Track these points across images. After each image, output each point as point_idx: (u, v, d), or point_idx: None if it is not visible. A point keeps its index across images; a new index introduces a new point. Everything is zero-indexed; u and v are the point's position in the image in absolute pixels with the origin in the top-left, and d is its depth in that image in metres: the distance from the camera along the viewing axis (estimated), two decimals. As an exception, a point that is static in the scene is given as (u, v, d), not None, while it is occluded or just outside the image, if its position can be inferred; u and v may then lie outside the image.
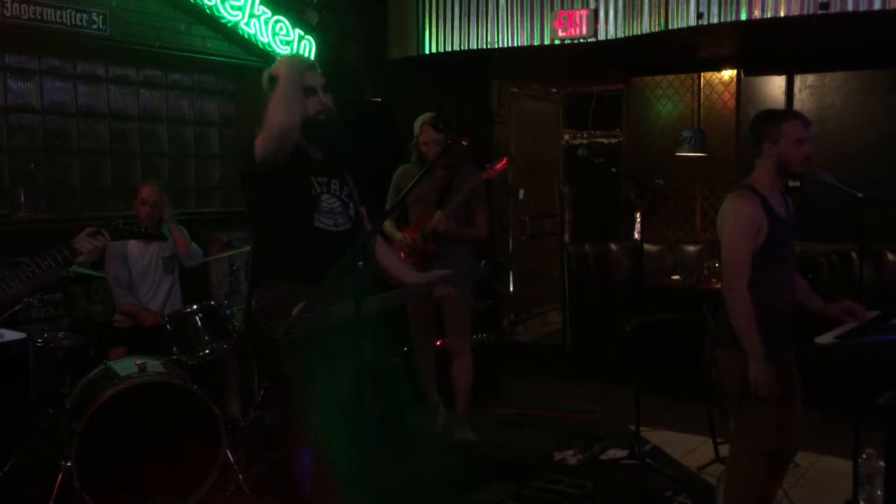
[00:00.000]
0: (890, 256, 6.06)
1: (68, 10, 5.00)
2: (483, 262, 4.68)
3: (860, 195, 3.43)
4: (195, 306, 4.49)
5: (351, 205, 3.12)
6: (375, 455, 2.88)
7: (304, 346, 2.81)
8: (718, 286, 3.51)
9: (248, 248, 5.22)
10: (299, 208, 2.99)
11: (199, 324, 4.42)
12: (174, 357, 4.33)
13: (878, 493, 3.74)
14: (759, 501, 3.35)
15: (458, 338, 4.95)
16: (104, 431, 3.72)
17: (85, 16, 5.09)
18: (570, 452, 4.81)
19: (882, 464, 3.63)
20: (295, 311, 2.76)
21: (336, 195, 3.06)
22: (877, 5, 5.09)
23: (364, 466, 2.80)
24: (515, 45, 6.52)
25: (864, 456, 3.78)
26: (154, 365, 4.01)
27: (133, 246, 4.77)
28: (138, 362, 3.94)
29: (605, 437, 5.00)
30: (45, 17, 4.89)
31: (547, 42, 6.37)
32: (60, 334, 4.35)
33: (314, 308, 2.79)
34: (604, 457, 4.81)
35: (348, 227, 3.07)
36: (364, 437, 2.82)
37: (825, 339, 3.00)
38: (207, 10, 5.72)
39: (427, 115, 4.93)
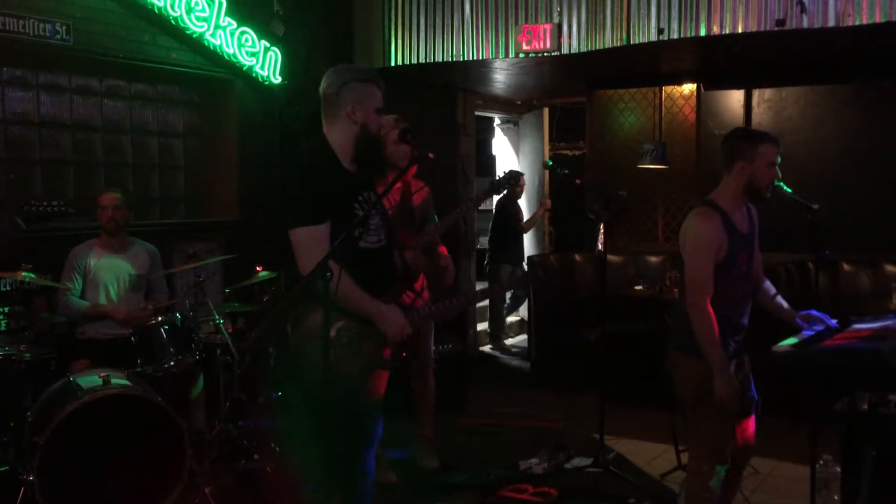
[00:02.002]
0: (845, 266, 6.21)
1: (31, 20, 4.96)
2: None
3: (815, 206, 3.52)
4: (160, 318, 4.47)
5: (386, 216, 3.08)
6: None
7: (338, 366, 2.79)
8: (678, 296, 3.58)
9: (215, 259, 5.22)
10: (346, 231, 2.87)
11: (165, 336, 4.39)
12: (139, 369, 4.29)
13: (836, 497, 3.83)
14: (719, 506, 3.42)
15: (429, 358, 4.77)
16: (67, 445, 3.67)
17: (49, 26, 5.06)
18: (536, 461, 4.84)
19: (839, 469, 3.72)
20: (333, 330, 2.74)
21: (377, 210, 3.00)
22: (831, 22, 5.23)
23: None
24: (481, 58, 6.59)
25: (822, 462, 3.87)
26: (118, 377, 3.97)
27: (95, 253, 4.71)
28: (102, 375, 3.90)
29: (570, 445, 5.05)
30: (7, 27, 4.85)
31: (512, 55, 6.45)
32: (22, 347, 4.28)
33: (350, 328, 2.80)
34: (568, 465, 4.86)
35: (387, 242, 3.03)
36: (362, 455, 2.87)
37: (782, 347, 3.07)
38: (172, 21, 5.70)
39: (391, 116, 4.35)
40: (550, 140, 10.09)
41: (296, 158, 3.08)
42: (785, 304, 3.47)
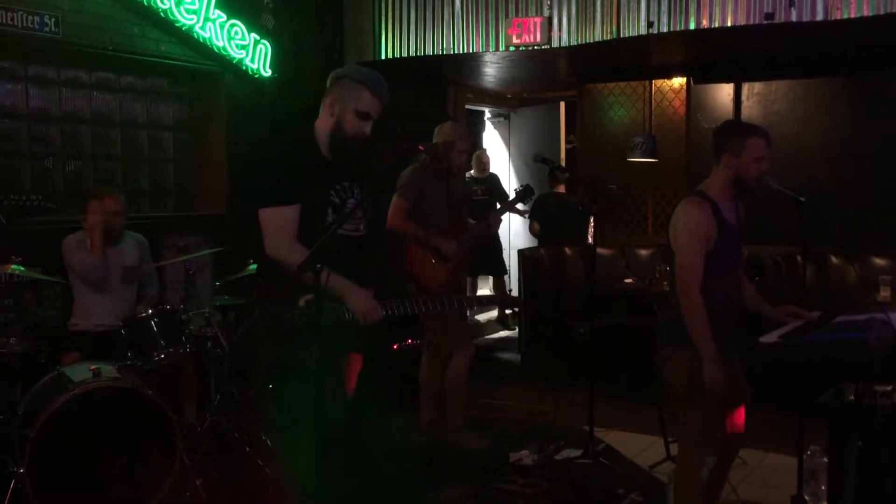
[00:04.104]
0: (833, 259, 6.24)
1: (20, 13, 4.94)
2: None
3: (802, 199, 3.54)
4: (150, 311, 4.46)
5: (370, 208, 3.16)
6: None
7: (307, 337, 2.75)
8: (667, 288, 3.60)
9: (205, 252, 5.20)
10: (322, 216, 2.96)
11: (155, 328, 4.39)
12: (129, 362, 4.29)
13: (823, 488, 3.86)
14: (707, 497, 3.45)
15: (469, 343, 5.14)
16: (58, 438, 3.67)
17: (37, 18, 5.04)
18: (526, 453, 4.87)
19: (825, 460, 3.76)
20: (302, 301, 2.79)
21: (357, 200, 3.06)
22: (819, 16, 5.26)
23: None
24: (471, 51, 6.59)
25: (809, 453, 3.90)
26: (108, 370, 3.97)
27: (87, 247, 4.68)
28: (92, 367, 3.89)
29: (560, 437, 5.07)
30: (-4, 20, 4.83)
31: (502, 49, 6.45)
32: (11, 340, 4.27)
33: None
34: (558, 457, 4.88)
35: (368, 232, 3.11)
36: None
37: (769, 338, 3.09)
38: (162, 14, 5.69)
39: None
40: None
41: (276, 144, 3.17)
42: (764, 301, 3.51)
